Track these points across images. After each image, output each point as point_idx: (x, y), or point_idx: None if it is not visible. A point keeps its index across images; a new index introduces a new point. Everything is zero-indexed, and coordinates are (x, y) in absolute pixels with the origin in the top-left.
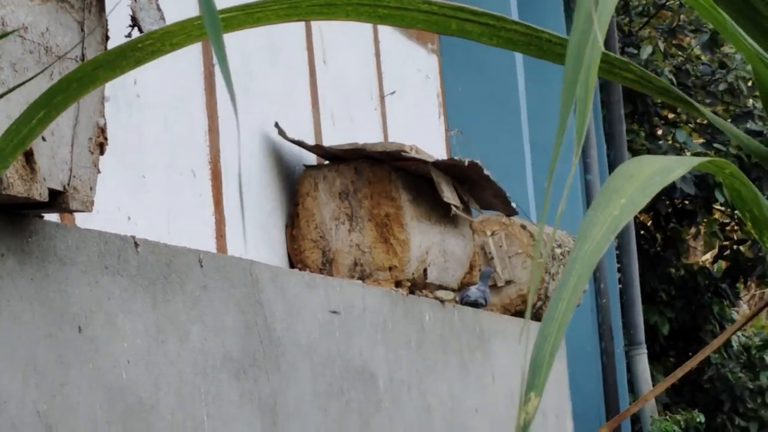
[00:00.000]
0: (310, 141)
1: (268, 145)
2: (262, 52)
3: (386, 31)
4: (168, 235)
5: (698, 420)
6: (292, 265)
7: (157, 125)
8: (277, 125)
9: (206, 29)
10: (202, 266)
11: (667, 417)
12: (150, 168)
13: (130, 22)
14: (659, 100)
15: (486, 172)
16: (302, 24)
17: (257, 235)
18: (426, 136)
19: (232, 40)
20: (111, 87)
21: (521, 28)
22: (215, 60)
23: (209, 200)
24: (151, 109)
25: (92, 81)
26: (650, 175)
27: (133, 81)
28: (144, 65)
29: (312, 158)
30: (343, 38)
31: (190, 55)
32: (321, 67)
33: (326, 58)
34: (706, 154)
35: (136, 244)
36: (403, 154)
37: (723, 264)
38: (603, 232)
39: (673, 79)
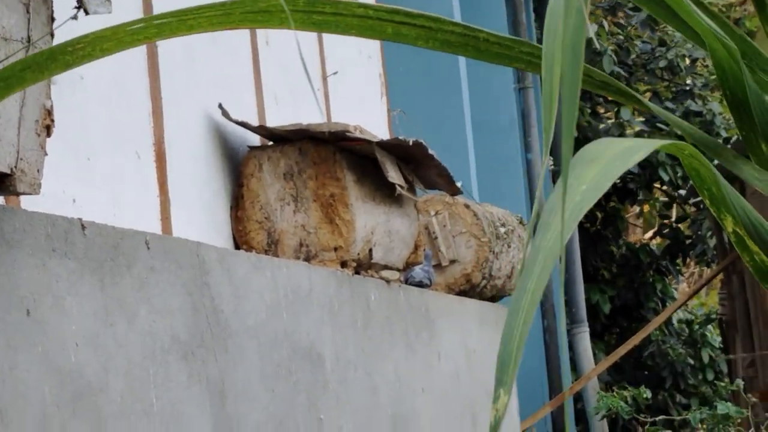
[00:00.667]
0: (254, 122)
1: (211, 126)
2: (205, 33)
3: None
4: (113, 218)
5: (645, 396)
6: (237, 247)
7: (100, 107)
8: (220, 106)
9: None
10: (149, 248)
11: (614, 393)
12: (94, 150)
13: (75, 4)
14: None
15: (430, 151)
16: None
17: (202, 216)
18: (368, 117)
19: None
20: None
21: (458, 29)
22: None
23: (154, 182)
24: (94, 90)
25: (19, 82)
26: (611, 159)
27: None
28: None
29: (256, 139)
30: None
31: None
32: (264, 47)
33: (268, 39)
34: (653, 133)
35: (83, 227)
36: (348, 134)
37: (660, 242)
38: (565, 219)
39: (614, 58)
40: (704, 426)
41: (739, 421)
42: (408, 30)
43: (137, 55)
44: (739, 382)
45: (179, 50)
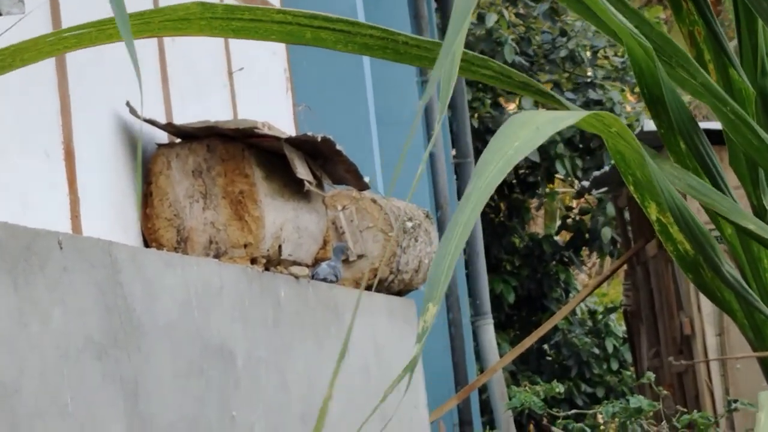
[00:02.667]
0: (162, 119)
1: (120, 124)
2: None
3: None
4: (23, 217)
5: (557, 390)
6: (146, 245)
7: (8, 106)
8: (128, 104)
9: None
10: (61, 248)
11: (527, 388)
12: (3, 149)
13: None
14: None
15: (338, 147)
16: (150, 0)
17: (111, 214)
18: (274, 112)
19: (78, 10)
20: None
21: (377, 32)
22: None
23: (63, 181)
24: (1, 89)
25: None
26: (543, 123)
27: None
28: None
29: (164, 137)
30: None
31: (40, 26)
32: (169, 44)
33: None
34: None
35: None
36: (256, 131)
37: (565, 234)
38: (498, 167)
39: (516, 48)
40: (617, 418)
41: (651, 414)
42: (327, 34)
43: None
44: (650, 375)
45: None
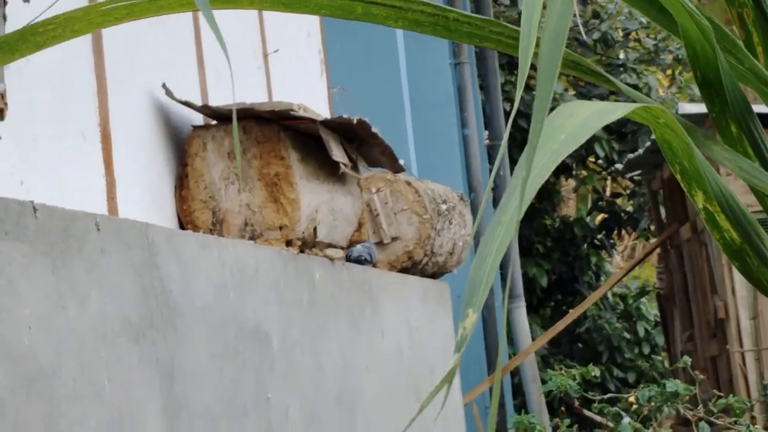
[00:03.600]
0: (197, 101)
1: (156, 106)
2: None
3: None
4: (61, 199)
5: (593, 374)
6: (181, 226)
7: (46, 88)
8: (164, 86)
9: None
10: (99, 230)
11: (563, 372)
12: (40, 132)
13: None
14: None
15: (374, 129)
16: None
17: (147, 196)
18: (309, 94)
19: None
20: None
21: (428, 8)
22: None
23: (99, 163)
24: (39, 71)
25: None
26: (589, 115)
27: None
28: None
29: (199, 119)
30: None
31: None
32: (205, 26)
33: None
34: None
35: (35, 209)
36: (292, 113)
37: (597, 216)
38: (543, 162)
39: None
40: (653, 402)
41: (687, 398)
42: (378, 10)
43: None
44: (686, 359)
45: (123, 29)
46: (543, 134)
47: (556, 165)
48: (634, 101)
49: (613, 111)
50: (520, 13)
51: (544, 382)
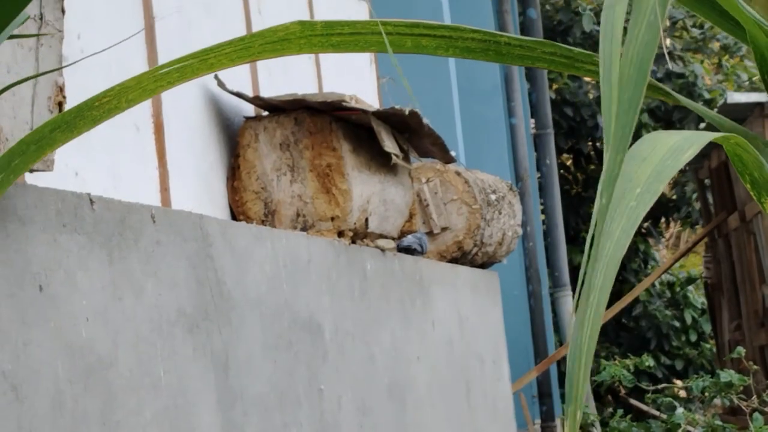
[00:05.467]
0: (248, 92)
1: (207, 97)
2: (198, 2)
3: None
4: (115, 190)
5: (647, 364)
6: (233, 217)
7: (100, 80)
8: (216, 77)
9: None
10: (154, 222)
11: (617, 361)
12: None
13: None
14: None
15: (425, 120)
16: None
17: (200, 187)
18: (359, 85)
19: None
20: None
21: (478, 35)
22: (156, 14)
23: (153, 154)
24: (94, 63)
25: (50, 144)
26: (662, 158)
27: (77, 36)
28: (90, 21)
29: (251, 110)
30: None
31: (131, 8)
32: (256, 17)
33: (261, 7)
34: None
35: (92, 202)
36: (344, 104)
37: None
38: (622, 226)
39: (594, 18)
40: (707, 393)
41: (741, 388)
42: (428, 41)
43: (135, 26)
44: (741, 350)
45: (175, 21)
46: (619, 187)
47: (636, 225)
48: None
49: (688, 147)
50: (565, 0)
51: (595, 372)
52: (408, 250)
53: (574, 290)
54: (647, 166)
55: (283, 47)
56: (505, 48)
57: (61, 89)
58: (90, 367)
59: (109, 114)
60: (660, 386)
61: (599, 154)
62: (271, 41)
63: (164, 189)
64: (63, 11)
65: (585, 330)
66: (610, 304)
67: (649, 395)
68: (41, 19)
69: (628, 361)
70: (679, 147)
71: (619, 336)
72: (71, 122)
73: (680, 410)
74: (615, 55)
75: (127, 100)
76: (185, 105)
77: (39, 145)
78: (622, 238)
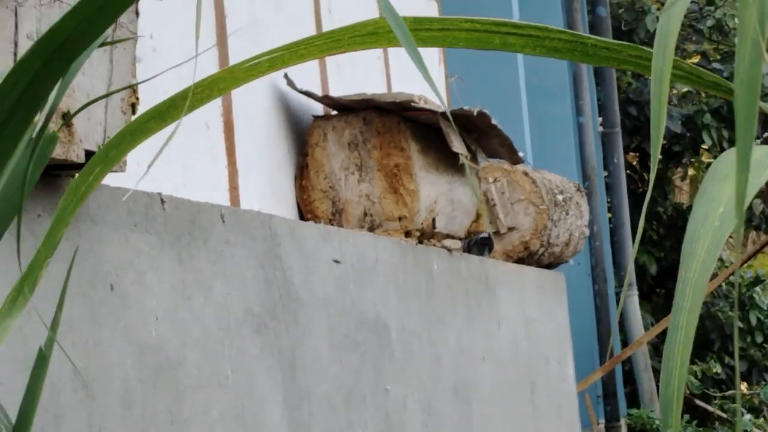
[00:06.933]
0: (317, 91)
1: (276, 96)
2: (269, 1)
3: None
4: (185, 188)
5: (714, 371)
6: (301, 216)
7: (172, 78)
8: (286, 76)
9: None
10: (224, 221)
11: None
12: None
13: None
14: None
15: (493, 121)
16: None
17: (268, 186)
18: (427, 84)
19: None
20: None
21: (566, 36)
22: (227, 12)
23: (222, 153)
24: (166, 62)
25: (144, 132)
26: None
27: (149, 35)
28: (162, 21)
29: (319, 109)
30: None
31: (203, 8)
32: (326, 16)
33: (331, 6)
34: (698, 94)
35: (163, 201)
36: (413, 104)
37: None
38: (707, 247)
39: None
40: None
41: None
42: (515, 39)
43: (206, 25)
44: None
45: (246, 20)
46: (701, 207)
47: (721, 246)
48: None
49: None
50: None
51: (656, 372)
52: (484, 241)
53: (639, 289)
54: (728, 185)
55: (372, 40)
56: (592, 49)
57: (135, 91)
58: (159, 366)
59: (201, 102)
60: (727, 393)
61: (664, 153)
62: (360, 35)
63: (233, 187)
64: (137, 14)
65: (676, 354)
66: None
67: (716, 401)
68: (116, 22)
69: (695, 368)
70: (762, 163)
71: None
72: (165, 112)
73: (747, 416)
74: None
75: (218, 89)
76: (255, 104)
77: (133, 136)
78: (708, 260)
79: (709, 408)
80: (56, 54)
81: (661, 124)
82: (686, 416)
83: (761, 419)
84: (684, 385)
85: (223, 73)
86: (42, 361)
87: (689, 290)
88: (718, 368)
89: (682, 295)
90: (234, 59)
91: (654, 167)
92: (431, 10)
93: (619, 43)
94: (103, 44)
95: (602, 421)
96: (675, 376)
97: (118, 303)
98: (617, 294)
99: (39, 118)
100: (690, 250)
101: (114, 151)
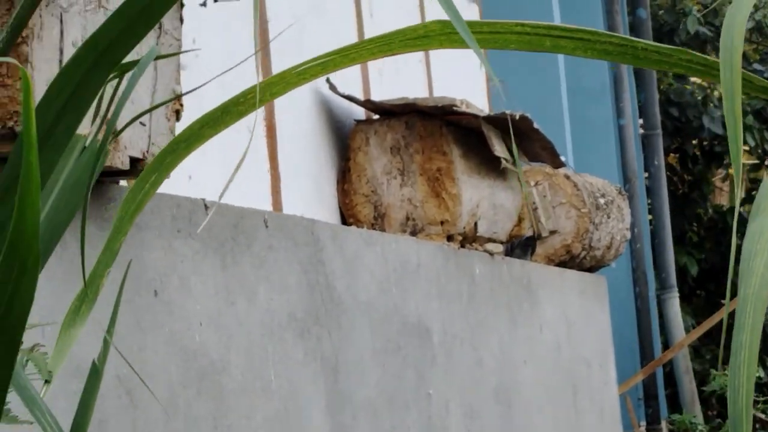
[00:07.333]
0: (359, 95)
1: (319, 100)
2: (311, 6)
3: None
4: (228, 193)
5: (758, 375)
6: (343, 220)
7: (214, 83)
8: (328, 80)
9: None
10: (267, 226)
11: (726, 372)
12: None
13: None
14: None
15: (536, 125)
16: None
17: (310, 190)
18: (468, 86)
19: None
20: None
21: (616, 40)
22: (269, 17)
23: (265, 157)
24: (208, 67)
25: (198, 139)
26: None
27: (192, 41)
28: (202, 24)
29: (361, 113)
30: None
31: (244, 11)
32: (368, 20)
33: (372, 10)
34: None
35: (206, 207)
36: (455, 108)
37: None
38: (765, 261)
39: (701, 19)
40: None
41: None
42: (566, 42)
43: (248, 29)
44: None
45: (288, 24)
46: (756, 225)
47: None
48: None
49: None
50: (672, 1)
51: (697, 374)
52: (527, 242)
53: (680, 291)
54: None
55: (423, 43)
56: (642, 53)
57: (179, 97)
58: (203, 371)
59: (253, 107)
60: None
61: (705, 154)
62: (411, 38)
63: (276, 191)
64: (181, 20)
65: (742, 372)
66: (713, 306)
67: (759, 405)
68: (160, 28)
69: None
70: None
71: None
72: (219, 118)
73: None
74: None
75: (271, 94)
76: (297, 108)
77: (188, 143)
78: (767, 275)
79: (756, 413)
80: (100, 59)
81: (738, 139)
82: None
83: None
84: (752, 401)
85: (275, 77)
86: (95, 374)
87: (750, 307)
88: (761, 372)
89: (743, 313)
90: (276, 63)
91: (738, 182)
92: (472, 13)
93: (670, 47)
94: (158, 57)
95: (643, 423)
96: (742, 394)
97: (163, 309)
98: (658, 296)
99: (91, 130)
100: (748, 267)
101: (169, 159)
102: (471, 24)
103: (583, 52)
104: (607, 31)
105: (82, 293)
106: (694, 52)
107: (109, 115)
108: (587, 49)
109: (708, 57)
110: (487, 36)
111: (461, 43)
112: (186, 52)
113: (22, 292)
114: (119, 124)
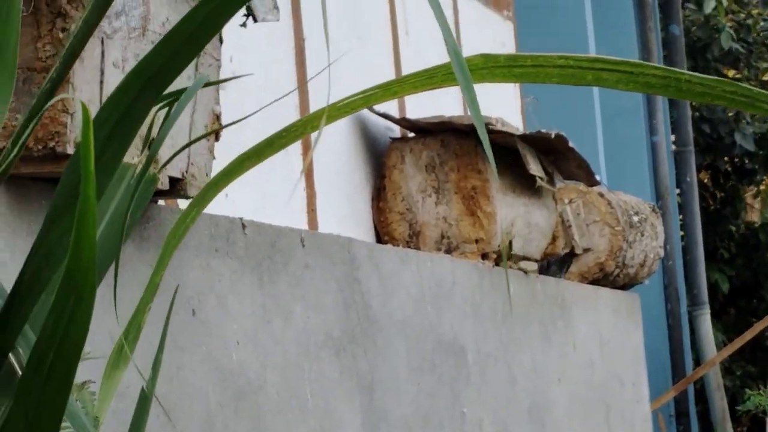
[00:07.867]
0: (395, 113)
1: (354, 118)
2: (348, 24)
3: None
4: (264, 211)
5: None
6: (378, 237)
7: (251, 101)
8: None
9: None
10: (303, 245)
11: (761, 392)
12: (245, 145)
13: (244, 12)
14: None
15: (571, 144)
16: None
17: (345, 208)
18: (502, 104)
19: (317, 12)
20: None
21: (659, 72)
22: (305, 35)
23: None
24: (246, 86)
25: (239, 172)
26: None
27: (229, 59)
28: (241, 43)
29: (397, 131)
30: (425, 8)
31: (282, 30)
32: (404, 38)
33: (408, 29)
34: None
35: (244, 226)
36: (490, 126)
37: None
38: None
39: (734, 35)
40: None
41: None
42: (608, 75)
43: (285, 49)
44: None
45: (323, 42)
46: None
47: None
48: None
49: None
50: (705, 17)
51: (728, 391)
52: (563, 258)
53: (711, 308)
54: None
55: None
56: (686, 85)
57: (218, 117)
58: (240, 391)
59: (294, 139)
60: None
61: (737, 171)
62: (453, 71)
63: (311, 209)
64: (221, 40)
65: None
66: (745, 323)
67: None
68: None
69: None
70: None
71: (756, 356)
72: (260, 151)
73: None
74: None
75: (311, 127)
76: (332, 126)
77: (230, 175)
78: None
79: None
80: (147, 86)
81: None
82: None
83: None
84: None
85: (319, 112)
86: (144, 401)
87: None
88: None
89: None
90: (311, 82)
91: None
92: (507, 29)
93: (714, 79)
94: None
95: None
96: None
97: (200, 328)
98: (689, 313)
99: (140, 158)
100: None
101: (211, 192)
102: (515, 57)
103: (625, 86)
104: (650, 64)
105: (125, 333)
106: (738, 84)
107: (153, 140)
108: (629, 82)
109: (752, 88)
110: (530, 70)
111: (504, 77)
112: (233, 79)
113: (78, 321)
114: (164, 146)
